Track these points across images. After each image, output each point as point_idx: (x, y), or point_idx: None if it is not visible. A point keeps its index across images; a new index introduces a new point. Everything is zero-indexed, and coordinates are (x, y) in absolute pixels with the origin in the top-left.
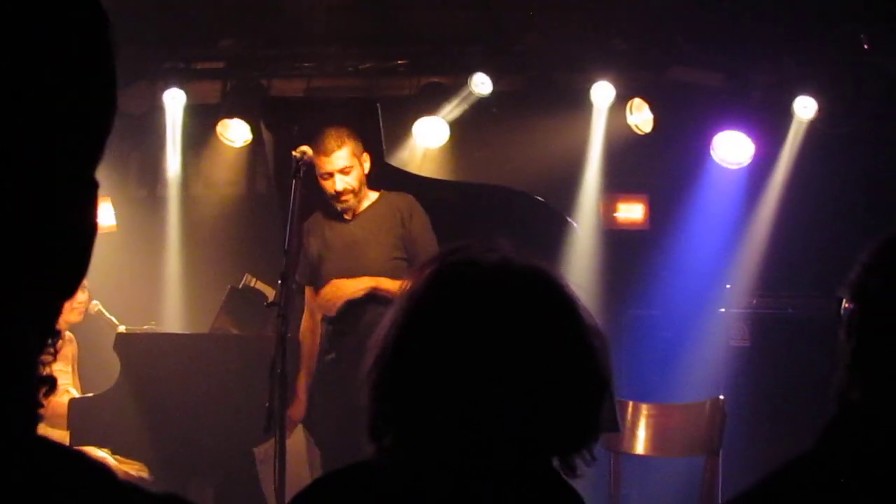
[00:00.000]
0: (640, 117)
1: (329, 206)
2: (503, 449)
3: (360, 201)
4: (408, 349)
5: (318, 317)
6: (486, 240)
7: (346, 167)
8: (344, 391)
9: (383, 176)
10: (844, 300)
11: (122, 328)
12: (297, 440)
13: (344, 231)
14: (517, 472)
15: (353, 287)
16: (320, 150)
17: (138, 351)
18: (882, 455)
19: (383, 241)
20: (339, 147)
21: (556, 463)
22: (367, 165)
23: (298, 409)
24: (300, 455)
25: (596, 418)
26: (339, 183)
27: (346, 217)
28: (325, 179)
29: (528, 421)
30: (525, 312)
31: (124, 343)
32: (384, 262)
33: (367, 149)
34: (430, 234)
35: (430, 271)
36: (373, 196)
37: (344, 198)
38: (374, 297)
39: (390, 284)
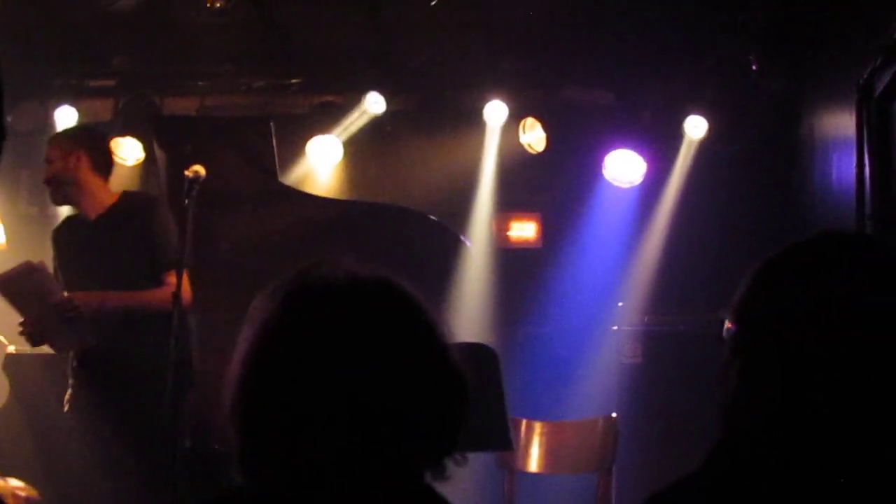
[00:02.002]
0: (533, 136)
1: (79, 211)
2: (373, 468)
3: (86, 199)
4: (268, 378)
5: None
6: (328, 258)
7: (49, 158)
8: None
9: (276, 194)
10: (727, 321)
11: (11, 348)
12: None
13: (86, 232)
14: (390, 491)
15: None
16: None
17: (28, 371)
18: (765, 474)
19: (120, 243)
20: (52, 139)
21: (428, 476)
22: (82, 164)
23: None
24: None
25: (460, 418)
26: (46, 172)
27: (91, 217)
28: None
29: (393, 436)
30: (377, 326)
31: (14, 364)
32: (122, 266)
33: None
34: (169, 235)
35: (279, 297)
36: (113, 197)
37: (49, 186)
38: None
39: (118, 299)
